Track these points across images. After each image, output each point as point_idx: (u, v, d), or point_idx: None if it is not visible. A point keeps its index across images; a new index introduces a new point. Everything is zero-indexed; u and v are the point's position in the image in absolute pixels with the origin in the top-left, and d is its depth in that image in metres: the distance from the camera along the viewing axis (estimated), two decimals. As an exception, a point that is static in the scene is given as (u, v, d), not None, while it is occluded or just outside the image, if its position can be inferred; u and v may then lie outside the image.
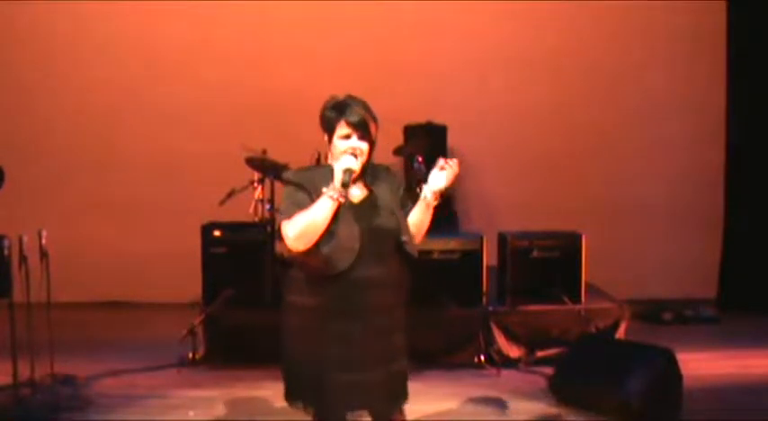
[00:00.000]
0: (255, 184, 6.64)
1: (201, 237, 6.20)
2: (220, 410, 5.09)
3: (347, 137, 3.30)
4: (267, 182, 6.58)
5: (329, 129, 3.34)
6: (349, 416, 3.39)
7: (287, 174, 3.42)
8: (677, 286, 7.81)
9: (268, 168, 6.45)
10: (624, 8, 7.87)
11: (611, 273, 6.95)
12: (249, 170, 6.58)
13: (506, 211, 7.73)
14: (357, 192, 3.36)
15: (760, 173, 7.78)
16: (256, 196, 6.63)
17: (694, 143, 8.05)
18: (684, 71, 8.03)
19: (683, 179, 8.09)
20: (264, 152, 6.54)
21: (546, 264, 6.15)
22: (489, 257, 6.15)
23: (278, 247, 6.53)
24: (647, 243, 8.07)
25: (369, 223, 3.30)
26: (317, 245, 3.23)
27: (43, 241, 5.25)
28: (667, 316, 7.32)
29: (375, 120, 3.35)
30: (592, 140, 8.04)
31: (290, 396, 3.42)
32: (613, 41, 8.00)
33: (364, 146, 3.31)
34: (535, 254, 6.16)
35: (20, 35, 7.91)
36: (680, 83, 8.03)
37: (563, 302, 6.06)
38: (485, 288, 6.09)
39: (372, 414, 3.45)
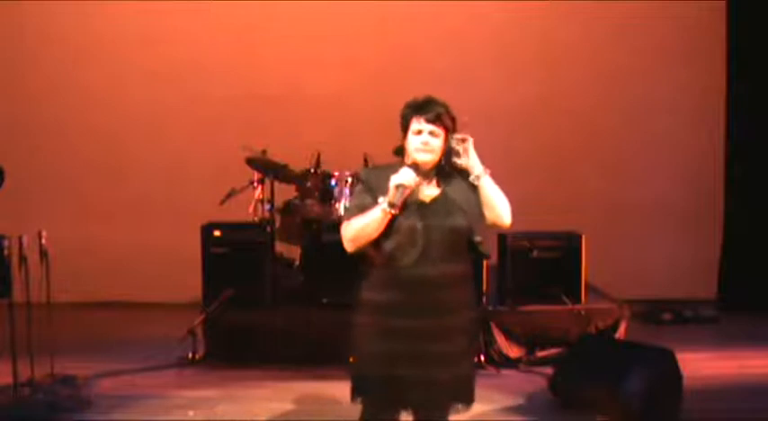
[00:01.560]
0: (255, 184, 6.64)
1: (201, 237, 6.20)
2: (220, 410, 5.09)
3: (419, 132, 3.33)
4: (267, 182, 6.58)
5: (405, 125, 3.38)
6: (403, 415, 3.39)
7: (362, 172, 3.52)
8: (677, 286, 7.79)
9: (269, 168, 6.45)
10: (624, 7, 7.85)
11: (611, 273, 6.95)
12: (249, 170, 6.58)
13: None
14: (428, 192, 3.35)
15: (760, 173, 7.77)
16: (256, 196, 6.64)
17: (694, 143, 8.04)
18: (684, 70, 8.00)
19: (683, 179, 8.09)
20: (264, 152, 6.54)
21: (546, 264, 6.15)
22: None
23: (278, 247, 6.57)
24: (647, 243, 8.05)
25: (437, 222, 3.29)
26: (379, 241, 3.27)
27: (43, 241, 5.25)
28: (667, 316, 7.32)
29: (453, 119, 3.40)
30: (591, 140, 8.02)
31: (354, 391, 3.41)
32: (613, 41, 7.97)
33: (435, 142, 3.33)
34: (535, 254, 6.16)
35: (24, 35, 7.89)
36: (680, 82, 8.01)
37: (563, 302, 6.06)
38: (485, 288, 6.09)
39: (421, 413, 3.42)
